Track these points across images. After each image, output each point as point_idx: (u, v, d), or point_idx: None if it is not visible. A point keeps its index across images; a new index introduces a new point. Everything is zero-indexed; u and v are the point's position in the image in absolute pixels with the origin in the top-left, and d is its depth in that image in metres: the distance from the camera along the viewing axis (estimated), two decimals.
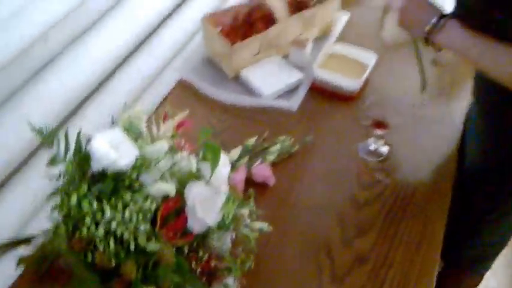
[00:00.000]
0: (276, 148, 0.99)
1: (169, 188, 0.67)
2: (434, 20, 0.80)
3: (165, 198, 0.71)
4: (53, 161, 0.67)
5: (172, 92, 1.18)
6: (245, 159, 0.94)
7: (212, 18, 1.19)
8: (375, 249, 0.85)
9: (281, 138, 1.02)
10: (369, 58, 1.13)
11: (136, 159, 0.67)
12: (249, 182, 0.92)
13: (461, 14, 0.81)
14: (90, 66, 1.03)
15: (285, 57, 1.21)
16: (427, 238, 0.86)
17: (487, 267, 1.16)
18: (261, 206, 0.77)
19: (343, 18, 1.30)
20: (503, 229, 1.05)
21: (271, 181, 0.95)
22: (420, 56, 0.97)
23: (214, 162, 0.70)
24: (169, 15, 1.25)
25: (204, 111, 1.11)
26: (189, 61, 1.22)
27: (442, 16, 0.80)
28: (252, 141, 1.01)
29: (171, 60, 1.26)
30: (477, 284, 1.22)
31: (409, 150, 1.01)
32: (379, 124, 0.94)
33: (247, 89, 1.14)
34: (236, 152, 0.86)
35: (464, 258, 1.16)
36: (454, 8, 0.83)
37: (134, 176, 0.69)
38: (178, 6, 1.28)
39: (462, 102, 1.09)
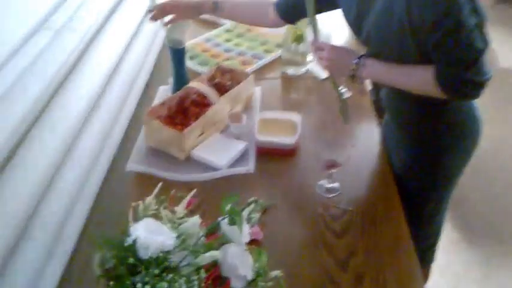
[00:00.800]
0: (251, 208, 1.11)
1: (216, 253, 0.75)
2: (356, 61, 1.07)
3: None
4: (103, 263, 0.70)
5: (130, 186, 1.23)
6: None
7: (151, 113, 1.30)
8: (367, 264, 1.01)
9: (252, 199, 1.14)
10: (295, 117, 1.35)
11: (179, 237, 0.74)
12: None
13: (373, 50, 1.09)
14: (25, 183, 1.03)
15: (223, 131, 1.36)
16: (401, 239, 1.05)
17: (432, 259, 1.40)
18: None
19: (257, 92, 1.52)
20: (437, 220, 1.31)
21: (260, 236, 1.06)
22: (341, 94, 1.23)
23: (240, 224, 0.80)
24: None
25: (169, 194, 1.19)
26: (136, 154, 1.29)
27: (360, 56, 1.07)
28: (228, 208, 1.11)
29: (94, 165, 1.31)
30: (427, 276, 1.45)
31: (351, 178, 1.22)
32: (332, 164, 1.14)
33: (202, 165, 1.25)
34: (246, 212, 0.95)
35: None
36: (366, 50, 1.12)
37: (170, 256, 0.75)
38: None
39: (373, 124, 1.39)
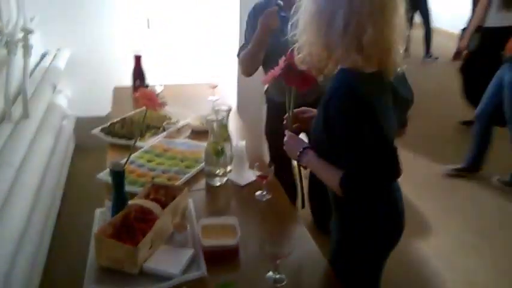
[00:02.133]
0: None
1: None
2: (300, 149, 1.34)
3: None
4: None
5: None
6: None
7: (101, 232, 1.35)
8: None
9: None
10: (232, 220, 1.52)
11: None
12: None
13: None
14: None
15: (167, 242, 1.46)
16: None
17: None
18: None
19: (190, 203, 1.67)
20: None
21: None
22: (301, 178, 1.46)
23: None
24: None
25: None
26: (89, 274, 1.31)
27: (306, 147, 1.33)
28: None
29: None
30: None
31: (294, 268, 1.39)
32: (275, 256, 1.31)
33: (156, 276, 1.32)
34: None
35: None
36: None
37: None
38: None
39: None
